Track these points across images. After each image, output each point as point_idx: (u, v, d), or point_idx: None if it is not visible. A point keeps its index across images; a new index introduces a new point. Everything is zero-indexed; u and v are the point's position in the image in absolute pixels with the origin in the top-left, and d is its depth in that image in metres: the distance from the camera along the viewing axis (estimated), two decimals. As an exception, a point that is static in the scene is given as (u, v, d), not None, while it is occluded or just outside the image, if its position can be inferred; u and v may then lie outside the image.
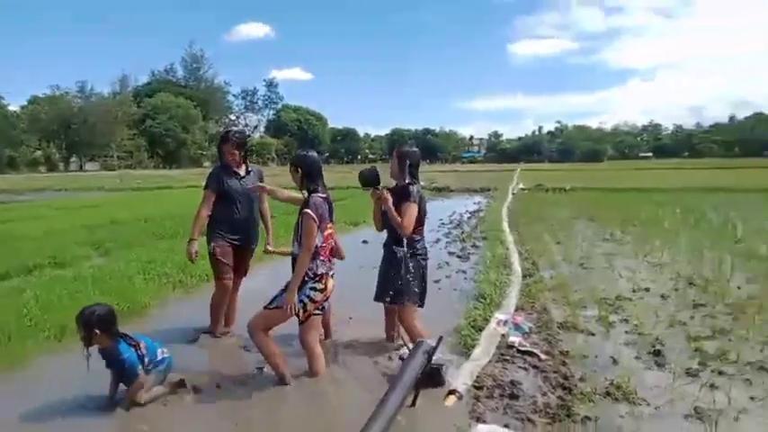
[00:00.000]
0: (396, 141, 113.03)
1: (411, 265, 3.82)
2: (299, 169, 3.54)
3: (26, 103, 74.01)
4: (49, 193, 25.89)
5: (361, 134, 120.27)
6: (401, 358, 3.52)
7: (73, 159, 74.21)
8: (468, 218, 13.06)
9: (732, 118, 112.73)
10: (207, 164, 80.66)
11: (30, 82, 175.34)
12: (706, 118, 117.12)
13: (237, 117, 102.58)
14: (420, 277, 3.89)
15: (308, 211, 3.36)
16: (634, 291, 5.76)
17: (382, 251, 4.07)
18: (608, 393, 3.31)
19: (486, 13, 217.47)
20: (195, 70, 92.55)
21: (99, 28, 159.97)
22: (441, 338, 3.31)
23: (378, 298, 4.04)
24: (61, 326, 4.44)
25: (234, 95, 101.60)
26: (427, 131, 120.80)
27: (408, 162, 3.96)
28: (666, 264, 7.05)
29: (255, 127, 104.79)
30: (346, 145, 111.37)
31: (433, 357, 3.30)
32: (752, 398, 3.23)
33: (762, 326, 4.46)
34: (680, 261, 7.17)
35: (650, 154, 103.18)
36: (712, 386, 3.39)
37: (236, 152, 4.34)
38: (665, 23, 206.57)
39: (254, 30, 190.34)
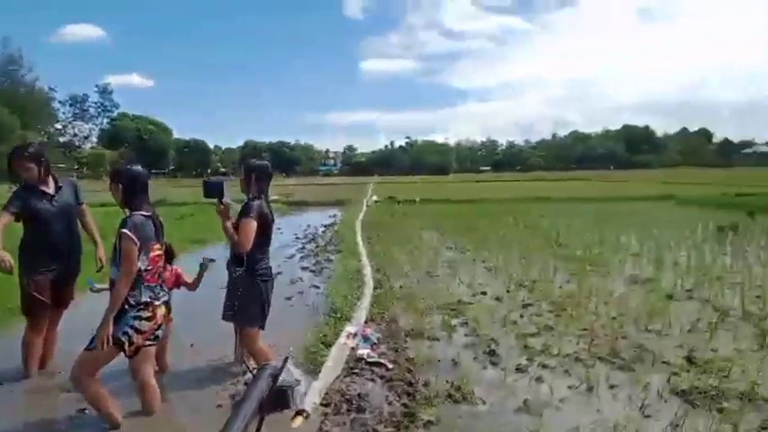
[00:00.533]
0: (248, 154, 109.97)
1: (249, 286, 3.66)
2: (120, 184, 3.19)
3: None
4: None
5: (212, 146, 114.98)
6: (246, 384, 3.36)
7: None
8: (323, 231, 13.11)
9: (554, 135, 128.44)
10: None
11: None
12: (533, 135, 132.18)
13: (65, 126, 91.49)
14: (259, 299, 3.69)
15: (126, 231, 3.02)
16: (473, 295, 6.19)
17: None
18: (449, 396, 3.48)
19: (338, 28, 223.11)
20: (12, 73, 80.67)
21: None
22: (287, 359, 3.18)
23: (223, 316, 3.83)
24: None
25: (60, 102, 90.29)
26: (283, 144, 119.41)
27: (254, 176, 3.80)
28: (500, 268, 7.71)
29: (87, 137, 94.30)
30: (195, 157, 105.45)
31: (279, 379, 3.20)
32: (569, 387, 3.62)
33: (578, 320, 5.06)
34: (512, 265, 7.88)
35: (489, 168, 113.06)
36: (538, 379, 3.75)
37: (33, 166, 3.75)
38: (498, 49, 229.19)
39: (84, 31, 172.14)
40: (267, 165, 3.93)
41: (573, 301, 5.75)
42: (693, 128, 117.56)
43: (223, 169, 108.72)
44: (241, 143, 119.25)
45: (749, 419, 3.05)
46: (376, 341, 4.40)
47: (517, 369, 3.95)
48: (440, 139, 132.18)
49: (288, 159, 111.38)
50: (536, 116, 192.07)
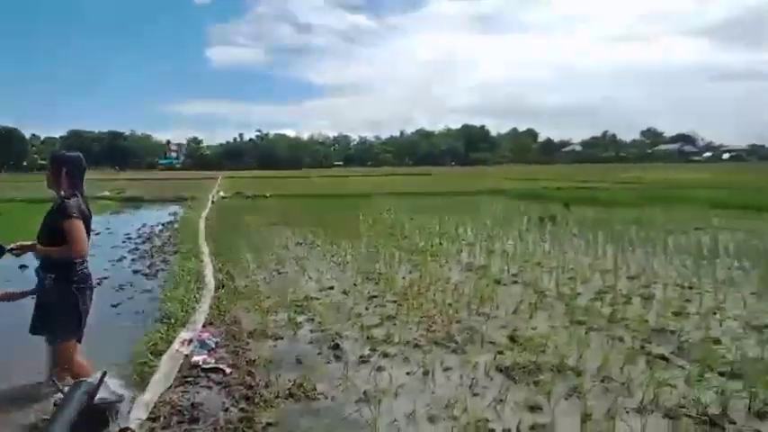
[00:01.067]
0: (73, 145, 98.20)
1: (63, 294, 3.23)
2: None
3: None
4: None
5: (27, 135, 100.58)
6: (56, 404, 2.95)
7: None
8: (161, 230, 12.17)
9: (402, 132, 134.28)
10: None
11: None
12: (383, 131, 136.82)
13: None
14: (75, 309, 3.26)
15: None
16: (321, 290, 6.18)
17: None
18: (291, 395, 3.41)
19: (181, 11, 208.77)
20: None
21: None
22: (104, 373, 2.90)
23: (31, 329, 3.32)
24: None
25: None
26: (115, 134, 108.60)
27: (65, 170, 3.33)
28: (349, 262, 7.82)
29: None
30: (5, 148, 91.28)
31: (97, 395, 2.87)
32: (408, 373, 3.76)
33: (418, 308, 5.30)
34: (360, 259, 8.04)
35: (341, 163, 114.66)
36: (379, 369, 3.84)
37: None
38: (348, 47, 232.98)
39: None
40: (79, 157, 3.47)
41: (414, 290, 6.02)
42: (522, 128, 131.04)
43: (42, 161, 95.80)
44: (64, 132, 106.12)
45: (559, 389, 3.43)
46: (214, 346, 4.16)
47: (360, 361, 4.01)
48: (292, 132, 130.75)
49: (122, 151, 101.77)
50: (385, 113, 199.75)
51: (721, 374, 3.58)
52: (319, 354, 4.20)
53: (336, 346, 4.30)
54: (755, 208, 14.72)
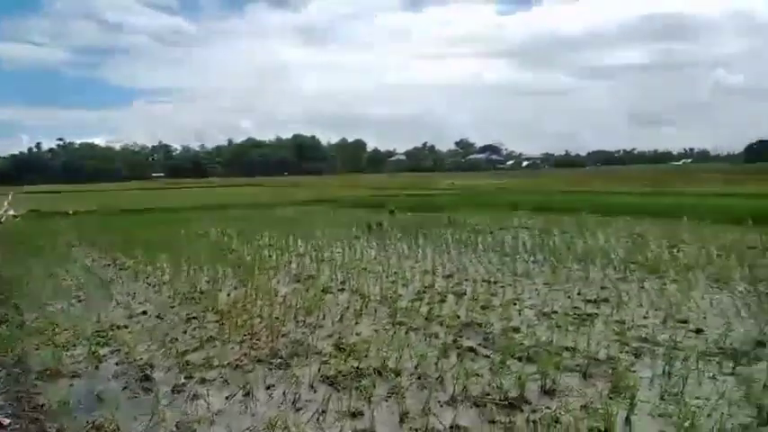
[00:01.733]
0: None
1: None
2: None
3: None
4: None
5: None
6: None
7: None
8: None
9: (230, 141, 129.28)
10: None
11: None
12: (208, 141, 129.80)
13: None
14: None
15: None
16: (130, 317, 5.59)
17: None
18: (87, 440, 2.99)
19: None
20: None
21: None
22: None
23: None
24: None
25: None
26: None
27: None
28: (166, 283, 7.21)
29: None
30: None
31: None
32: (227, 397, 3.55)
33: (241, 326, 5.05)
34: (180, 278, 7.45)
35: (162, 174, 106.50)
36: (195, 396, 3.56)
37: None
38: (165, 50, 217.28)
39: None
40: None
41: (239, 307, 5.75)
42: (351, 139, 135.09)
43: None
44: None
45: (379, 392, 3.51)
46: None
47: (174, 390, 3.68)
48: (101, 142, 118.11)
49: None
50: (209, 122, 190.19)
51: (519, 360, 3.99)
52: (125, 388, 3.76)
53: (146, 377, 3.90)
54: (546, 209, 17.02)
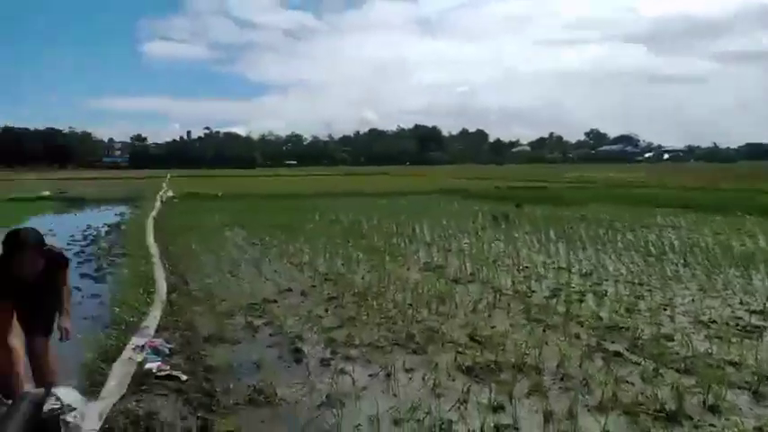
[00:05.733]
0: (9, 141, 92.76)
1: None
2: None
3: None
4: None
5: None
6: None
7: None
8: (107, 232, 11.67)
9: (357, 132, 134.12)
10: None
11: None
12: (336, 131, 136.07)
13: None
14: None
15: None
16: (279, 293, 6.05)
17: None
18: (251, 401, 3.31)
19: (111, 4, 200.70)
20: None
21: None
22: (49, 384, 2.73)
23: None
24: None
25: None
26: (53, 131, 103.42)
27: None
28: (306, 263, 7.70)
29: None
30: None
31: (46, 406, 2.70)
32: (370, 375, 3.72)
33: (377, 309, 5.26)
34: (318, 260, 7.93)
35: (294, 162, 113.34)
36: (341, 372, 3.78)
37: None
38: (294, 44, 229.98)
39: None
40: None
41: (373, 291, 5.99)
42: (472, 129, 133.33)
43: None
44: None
45: (520, 388, 3.46)
46: (168, 352, 3.99)
47: (321, 364, 3.94)
48: (242, 131, 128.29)
49: (62, 149, 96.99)
50: (336, 113, 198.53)
51: (675, 370, 3.70)
52: (279, 357, 4.10)
53: (297, 350, 4.21)
54: (695, 207, 15.47)
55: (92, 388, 3.39)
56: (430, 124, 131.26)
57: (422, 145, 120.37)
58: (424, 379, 3.65)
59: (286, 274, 7.03)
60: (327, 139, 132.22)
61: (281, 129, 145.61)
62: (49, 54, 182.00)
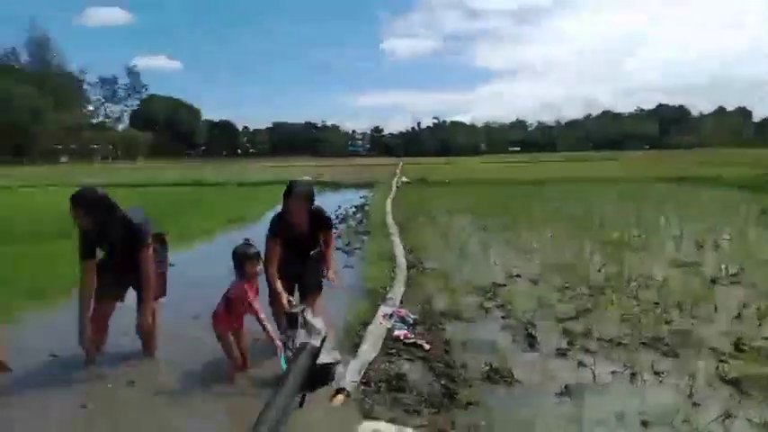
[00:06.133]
0: (279, 135, 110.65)
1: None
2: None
3: None
4: None
5: (240, 128, 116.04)
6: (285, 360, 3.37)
7: None
8: (354, 212, 13.11)
9: (589, 116, 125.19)
10: (64, 158, 72.78)
11: None
12: (563, 116, 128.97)
13: (96, 108, 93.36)
14: None
15: None
16: (508, 277, 6.09)
17: None
18: (488, 377, 3.44)
19: (357, 9, 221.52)
20: (41, 55, 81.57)
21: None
22: (324, 338, 3.23)
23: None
24: None
25: (90, 84, 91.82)
26: (310, 125, 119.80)
27: None
28: (535, 251, 7.57)
29: (118, 118, 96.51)
30: (224, 138, 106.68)
31: (320, 358, 3.21)
32: (612, 372, 3.53)
33: (618, 304, 4.93)
34: (547, 247, 7.73)
35: (518, 148, 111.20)
36: (580, 364, 3.66)
37: None
38: (520, 28, 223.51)
39: (109, 15, 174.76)
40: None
41: (612, 284, 5.61)
42: (730, 107, 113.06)
43: (252, 150, 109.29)
44: (269, 124, 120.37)
45: (806, 410, 2.91)
46: (412, 322, 4.37)
47: (557, 353, 3.87)
48: (467, 119, 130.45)
49: (315, 141, 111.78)
50: (564, 96, 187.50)
51: None
52: (513, 341, 4.15)
53: (530, 335, 4.21)
54: None
55: (352, 346, 3.92)
56: (674, 103, 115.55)
57: (665, 127, 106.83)
58: (677, 385, 3.32)
59: (513, 260, 7.02)
60: (554, 124, 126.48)
61: (504, 116, 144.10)
62: (304, 56, 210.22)
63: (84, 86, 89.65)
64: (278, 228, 3.98)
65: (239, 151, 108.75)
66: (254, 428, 2.48)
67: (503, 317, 4.72)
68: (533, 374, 3.51)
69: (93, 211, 3.52)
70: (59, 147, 75.39)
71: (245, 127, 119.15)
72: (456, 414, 3.00)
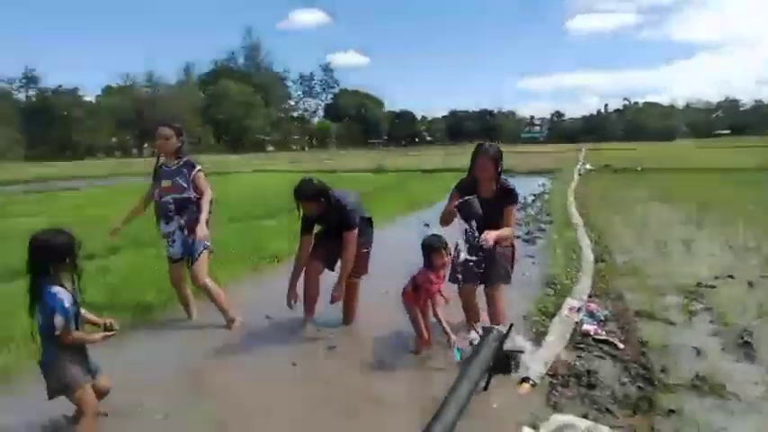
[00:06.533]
0: (455, 123, 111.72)
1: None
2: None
3: (101, 93, 78.15)
4: (123, 179, 26.88)
5: (419, 117, 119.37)
6: (471, 343, 3.47)
7: (145, 146, 76.96)
8: (533, 200, 12.72)
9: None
10: (270, 148, 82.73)
11: (102, 73, 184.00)
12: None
13: (296, 102, 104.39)
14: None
15: None
16: (716, 277, 5.40)
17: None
18: (693, 386, 3.12)
19: None
20: (254, 58, 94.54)
21: (160, 22, 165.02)
22: (511, 325, 3.24)
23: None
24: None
25: (292, 81, 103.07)
26: (485, 112, 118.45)
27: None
28: (752, 249, 6.57)
29: (314, 111, 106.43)
30: (404, 127, 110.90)
31: (506, 344, 3.24)
32: None
33: None
34: (765, 246, 6.65)
35: (728, 131, 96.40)
36: (816, 382, 3.14)
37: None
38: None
39: (308, 17, 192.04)
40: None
41: None
42: None
43: (429, 138, 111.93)
44: (445, 113, 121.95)
45: None
46: (603, 318, 4.14)
47: (782, 366, 3.36)
48: (663, 100, 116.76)
49: (491, 128, 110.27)
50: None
51: None
52: (723, 349, 3.69)
53: (746, 344, 3.70)
54: None
55: (535, 336, 3.86)
56: None
57: None
58: None
59: (724, 259, 6.18)
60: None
61: (710, 94, 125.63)
62: (488, 43, 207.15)
63: (287, 83, 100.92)
64: (462, 182, 4.06)
65: (417, 139, 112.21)
66: (443, 403, 2.61)
67: (711, 321, 4.22)
68: (751, 388, 3.09)
69: (315, 201, 4.02)
70: (266, 138, 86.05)
71: (424, 116, 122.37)
72: (655, 420, 2.79)
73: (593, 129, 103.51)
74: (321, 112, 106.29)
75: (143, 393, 3.27)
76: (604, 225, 8.53)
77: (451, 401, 2.63)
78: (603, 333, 3.85)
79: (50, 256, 2.65)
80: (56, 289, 2.63)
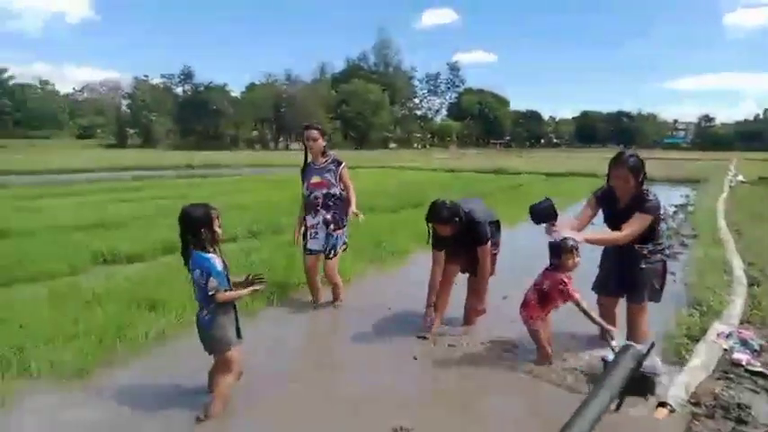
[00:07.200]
0: (586, 125, 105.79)
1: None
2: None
3: (245, 90, 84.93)
4: (267, 169, 28.91)
5: (546, 117, 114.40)
6: (603, 360, 3.28)
7: (281, 139, 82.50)
8: (674, 212, 11.65)
9: None
10: (393, 145, 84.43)
11: (246, 71, 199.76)
12: None
13: (421, 101, 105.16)
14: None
15: None
16: None
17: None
18: None
19: None
20: (384, 56, 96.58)
21: (301, 24, 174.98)
22: (653, 345, 3.02)
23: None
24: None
25: (418, 80, 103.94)
26: (621, 114, 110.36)
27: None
28: None
29: (437, 110, 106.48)
30: (529, 128, 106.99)
31: (645, 363, 3.03)
32: None
33: None
34: None
35: None
36: None
37: None
38: None
39: (440, 16, 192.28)
40: None
41: None
42: None
43: (556, 141, 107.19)
44: (576, 113, 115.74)
45: None
46: (757, 348, 3.70)
47: None
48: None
49: (627, 131, 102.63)
50: None
51: None
52: None
53: None
54: None
55: (677, 359, 3.55)
56: None
57: None
58: None
59: None
60: None
61: None
62: (628, 40, 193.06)
63: (414, 82, 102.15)
64: (600, 191, 3.87)
65: (542, 141, 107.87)
66: (571, 420, 2.51)
67: None
68: None
69: (449, 224, 4.00)
70: (389, 135, 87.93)
71: (551, 117, 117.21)
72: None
73: (749, 136, 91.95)
74: (444, 112, 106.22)
75: (278, 360, 3.60)
76: (760, 244, 7.58)
77: (579, 421, 2.52)
78: (758, 364, 3.44)
79: (191, 225, 2.94)
80: (208, 255, 2.93)
